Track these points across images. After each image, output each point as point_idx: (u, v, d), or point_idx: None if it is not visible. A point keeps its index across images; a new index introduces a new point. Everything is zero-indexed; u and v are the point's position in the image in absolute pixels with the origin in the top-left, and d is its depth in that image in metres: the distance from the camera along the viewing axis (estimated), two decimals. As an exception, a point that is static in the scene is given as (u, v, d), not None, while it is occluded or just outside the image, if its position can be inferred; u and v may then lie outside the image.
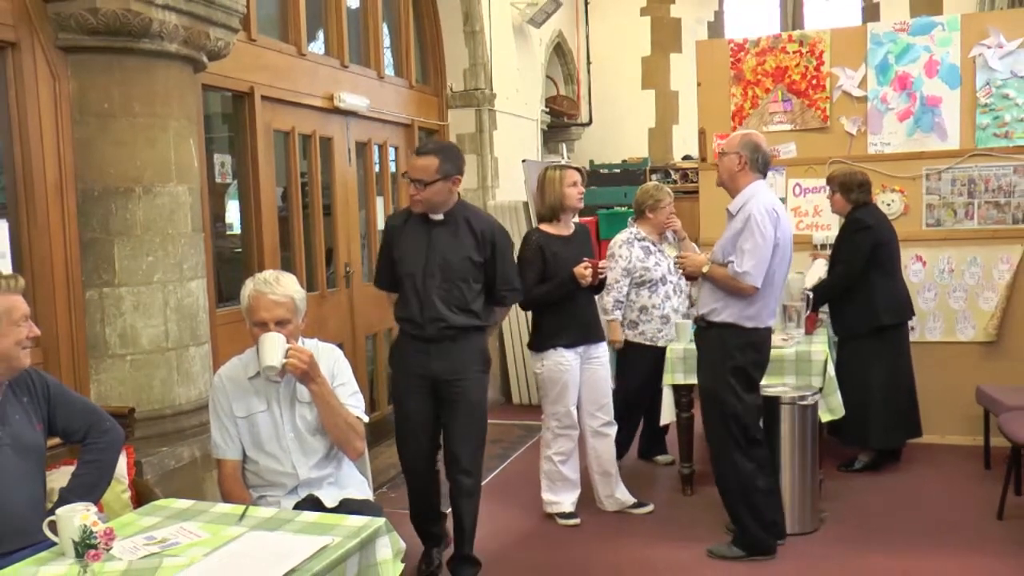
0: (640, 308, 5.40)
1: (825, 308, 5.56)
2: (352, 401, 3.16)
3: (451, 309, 3.86)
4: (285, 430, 3.10)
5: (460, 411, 3.93)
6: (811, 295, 5.31)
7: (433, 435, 4.02)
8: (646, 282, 5.35)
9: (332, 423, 3.07)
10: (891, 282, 5.33)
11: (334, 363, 3.19)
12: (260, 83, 5.18)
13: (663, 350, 5.33)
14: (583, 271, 4.51)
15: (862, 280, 5.23)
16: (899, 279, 5.41)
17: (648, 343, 5.39)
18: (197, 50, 3.97)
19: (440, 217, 3.88)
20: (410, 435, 3.99)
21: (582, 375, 4.69)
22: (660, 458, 5.80)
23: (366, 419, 3.20)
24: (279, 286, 3.04)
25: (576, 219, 4.82)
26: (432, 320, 3.86)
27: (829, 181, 5.46)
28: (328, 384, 3.07)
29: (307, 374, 3.00)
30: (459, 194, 3.95)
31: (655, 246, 5.43)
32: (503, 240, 3.98)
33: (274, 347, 2.96)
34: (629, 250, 5.36)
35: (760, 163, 4.11)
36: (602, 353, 4.78)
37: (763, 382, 4.30)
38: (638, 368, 5.38)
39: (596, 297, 4.80)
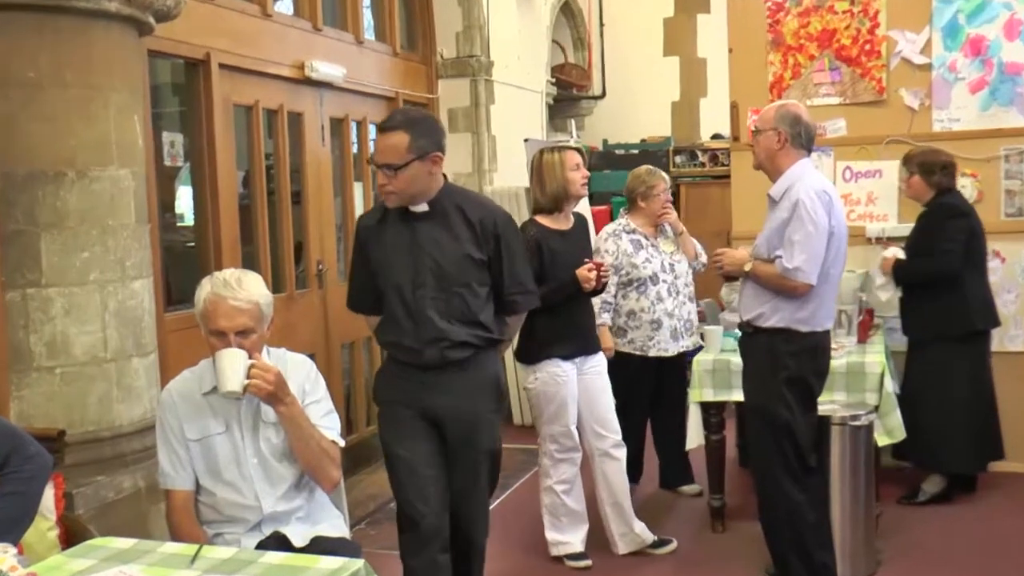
0: (628, 312, 5.40)
1: (885, 313, 5.53)
2: (326, 422, 3.14)
3: (452, 323, 3.52)
4: (247, 455, 3.07)
5: (469, 460, 3.64)
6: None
7: (440, 473, 3.67)
8: (633, 281, 5.35)
9: (303, 449, 3.05)
10: (982, 280, 5.34)
11: (305, 378, 3.17)
12: (217, 49, 5.14)
13: (655, 361, 5.39)
14: (587, 274, 4.50)
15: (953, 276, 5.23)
16: (987, 278, 5.40)
17: (638, 352, 5.40)
18: (142, 9, 3.93)
19: (423, 208, 3.53)
20: (411, 478, 3.59)
21: (578, 388, 4.68)
22: (685, 488, 5.78)
23: (342, 443, 3.18)
24: (241, 289, 3.01)
25: (589, 209, 4.80)
26: (431, 341, 3.52)
27: (906, 161, 5.46)
28: (298, 404, 3.04)
29: (274, 395, 2.96)
30: (444, 176, 3.61)
31: (648, 240, 5.44)
32: (509, 229, 3.63)
33: (233, 367, 2.92)
34: (616, 243, 5.38)
35: (803, 138, 4.07)
36: (599, 362, 4.78)
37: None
38: (626, 382, 5.35)
39: None
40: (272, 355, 3.16)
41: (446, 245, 3.53)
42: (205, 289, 3.03)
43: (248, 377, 2.92)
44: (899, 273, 5.36)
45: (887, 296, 5.46)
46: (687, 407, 5.35)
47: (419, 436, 3.60)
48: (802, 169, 4.05)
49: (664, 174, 5.57)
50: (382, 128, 3.47)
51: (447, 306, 3.52)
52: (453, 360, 3.54)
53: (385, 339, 3.66)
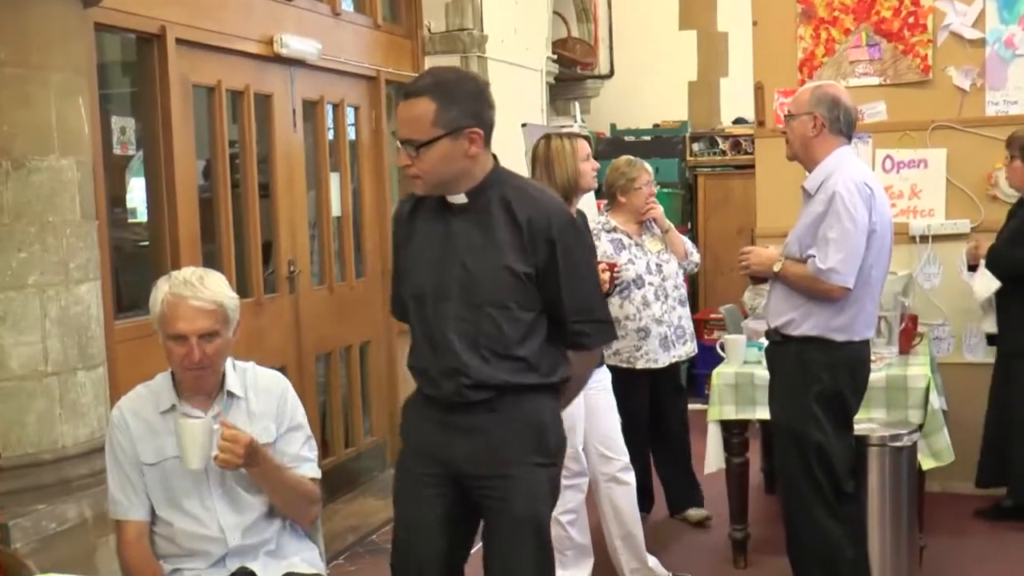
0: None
1: (931, 320, 5.54)
2: (305, 451, 3.18)
3: (480, 354, 3.07)
4: (210, 481, 3.08)
5: (503, 533, 3.16)
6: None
7: (451, 561, 3.28)
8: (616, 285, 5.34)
9: (280, 501, 3.12)
10: None
11: (280, 399, 3.20)
12: (174, 22, 5.13)
13: (644, 373, 5.42)
14: (600, 275, 4.50)
15: None
16: None
17: (624, 365, 5.42)
18: (88, -23, 3.94)
19: (462, 200, 3.11)
20: (409, 558, 3.25)
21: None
22: (691, 513, 5.80)
23: (319, 475, 3.22)
24: (204, 288, 3.03)
25: (595, 203, 4.82)
26: (449, 373, 3.10)
27: (1009, 144, 5.49)
28: (272, 460, 3.07)
29: (247, 464, 2.99)
30: (494, 158, 3.17)
31: (631, 239, 5.49)
32: (570, 234, 3.10)
33: (197, 442, 2.93)
34: (595, 244, 5.39)
35: (843, 123, 4.09)
36: (604, 377, 4.82)
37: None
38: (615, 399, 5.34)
39: None
40: (239, 369, 3.19)
41: (481, 251, 3.09)
42: (162, 290, 3.04)
43: (215, 449, 2.95)
44: (996, 262, 5.34)
45: (985, 290, 5.44)
46: (686, 421, 5.37)
47: (427, 500, 3.20)
48: (841, 158, 4.07)
49: (647, 165, 5.60)
50: (406, 93, 3.08)
51: (475, 330, 3.07)
52: (477, 400, 3.09)
53: (409, 363, 3.28)
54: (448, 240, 3.11)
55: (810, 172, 4.12)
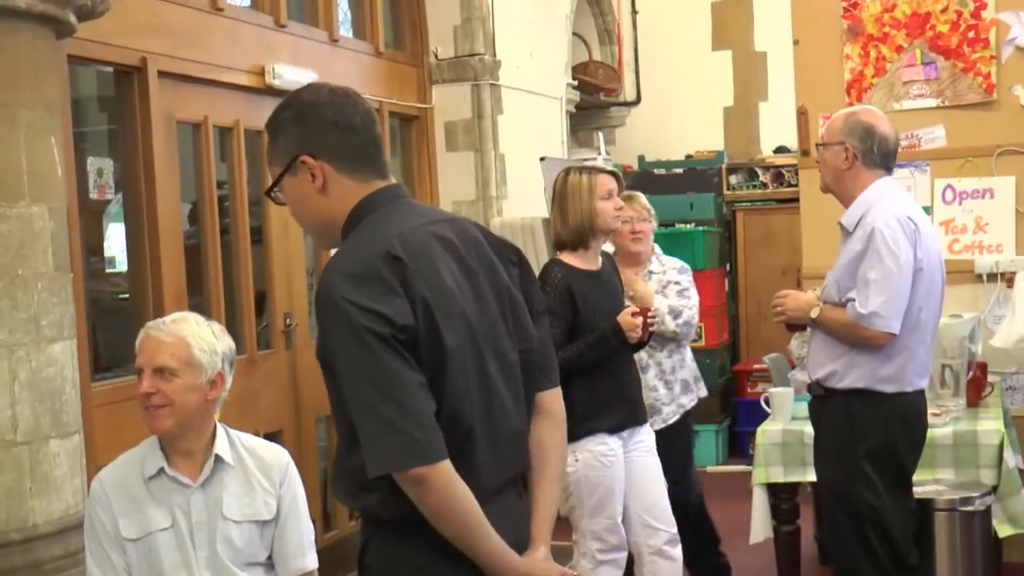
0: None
1: (1003, 368, 5.50)
2: (306, 542, 3.24)
3: (336, 463, 2.71)
4: (198, 557, 3.08)
5: None
6: None
7: None
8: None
9: None
10: None
11: (283, 479, 3.23)
12: (156, 52, 5.17)
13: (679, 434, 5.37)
14: (632, 320, 4.52)
15: None
16: None
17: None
18: (61, 5, 3.94)
19: None
20: None
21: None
22: None
23: (316, 564, 3.25)
24: (172, 325, 3.14)
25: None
26: None
27: None
28: None
29: None
30: (387, 189, 2.62)
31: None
32: (325, 319, 2.48)
33: None
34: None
35: (878, 153, 4.12)
36: (647, 436, 4.80)
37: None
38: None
39: None
40: (232, 436, 3.22)
41: None
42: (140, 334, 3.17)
43: None
44: None
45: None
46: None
47: None
48: (880, 191, 4.09)
49: (640, 200, 5.49)
50: None
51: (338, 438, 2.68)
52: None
53: None
54: None
55: (846, 207, 4.13)
